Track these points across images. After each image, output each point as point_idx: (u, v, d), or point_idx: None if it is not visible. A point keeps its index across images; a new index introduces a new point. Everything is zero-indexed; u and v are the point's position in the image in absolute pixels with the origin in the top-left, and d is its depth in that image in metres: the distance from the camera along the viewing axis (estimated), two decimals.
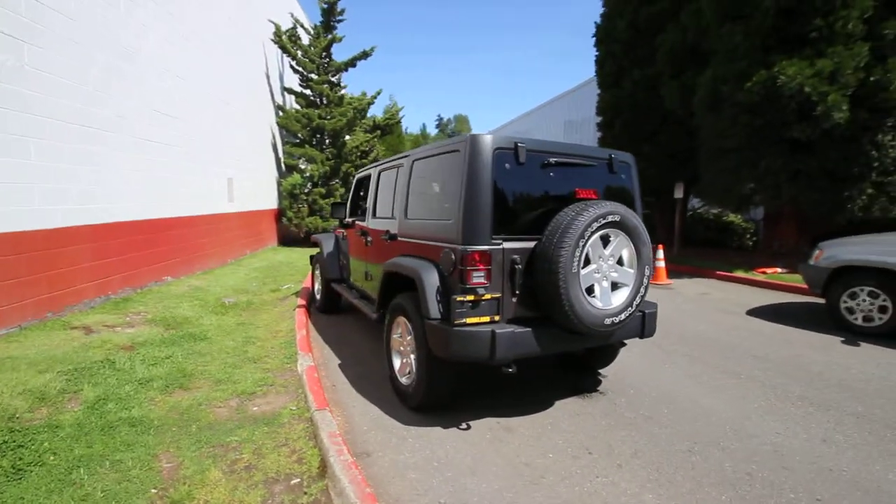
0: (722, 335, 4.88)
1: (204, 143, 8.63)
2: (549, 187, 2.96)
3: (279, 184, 12.37)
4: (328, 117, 12.15)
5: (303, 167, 12.52)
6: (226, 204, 9.48)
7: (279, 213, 12.53)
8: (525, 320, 2.79)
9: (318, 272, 5.99)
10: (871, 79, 6.89)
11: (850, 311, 4.87)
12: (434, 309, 2.78)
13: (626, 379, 3.69)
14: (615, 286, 2.94)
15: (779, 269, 8.29)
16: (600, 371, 3.82)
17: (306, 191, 12.09)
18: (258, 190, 11.26)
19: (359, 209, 5.09)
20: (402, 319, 3.27)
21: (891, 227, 6.96)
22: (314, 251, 6.44)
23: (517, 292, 2.78)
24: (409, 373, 3.19)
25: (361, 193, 4.96)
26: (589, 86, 23.42)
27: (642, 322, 3.15)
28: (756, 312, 5.86)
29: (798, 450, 2.65)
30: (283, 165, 12.90)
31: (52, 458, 2.41)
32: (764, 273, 8.18)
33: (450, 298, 2.68)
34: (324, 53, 12.54)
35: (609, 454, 2.60)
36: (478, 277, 2.66)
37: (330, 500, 2.17)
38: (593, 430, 2.87)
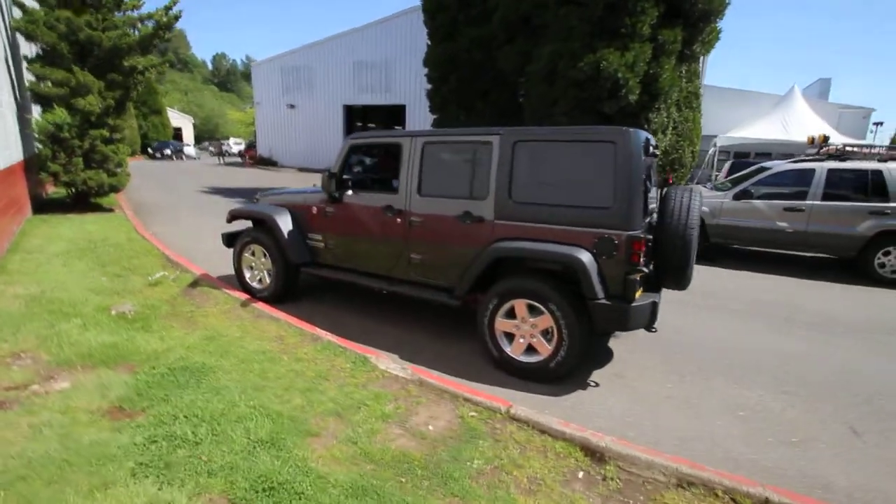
0: None
1: None
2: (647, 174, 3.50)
3: (28, 122, 8.21)
4: (100, 27, 8.52)
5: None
6: None
7: (30, 166, 8.44)
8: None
9: (255, 256, 4.85)
10: (650, 71, 9.61)
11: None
12: (600, 290, 3.07)
13: None
14: None
15: None
16: None
17: (75, 134, 8.48)
18: None
19: (358, 181, 4.37)
20: (521, 302, 3.37)
21: None
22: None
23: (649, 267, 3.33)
24: (528, 349, 3.41)
25: (366, 163, 4.26)
26: (383, 25, 23.15)
27: None
28: None
29: None
30: (27, 95, 8.51)
31: None
32: None
33: (625, 279, 3.03)
34: None
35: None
36: (642, 258, 3.07)
37: None
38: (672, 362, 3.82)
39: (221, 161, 31.34)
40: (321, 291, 5.37)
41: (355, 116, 29.37)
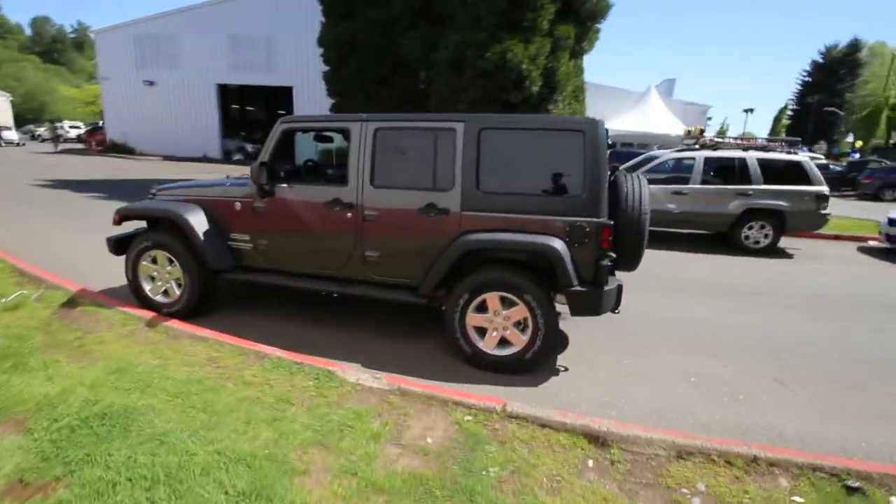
0: None
1: None
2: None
3: None
4: None
5: None
6: None
7: None
8: None
9: (158, 263, 4.04)
10: (549, 65, 10.15)
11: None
12: (574, 278, 3.11)
13: None
14: None
15: None
16: None
17: None
18: None
19: (294, 172, 3.82)
20: (494, 295, 3.30)
21: None
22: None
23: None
24: (501, 342, 3.36)
25: (304, 151, 3.73)
26: None
27: None
28: None
29: None
30: None
31: None
32: None
33: (596, 265, 3.10)
34: None
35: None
36: (610, 244, 3.17)
37: None
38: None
39: (56, 147, 25.88)
40: (240, 299, 4.69)
41: (231, 98, 26.45)
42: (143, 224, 4.36)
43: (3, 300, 4.11)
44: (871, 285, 6.28)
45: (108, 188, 11.98)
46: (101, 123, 28.60)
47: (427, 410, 2.78)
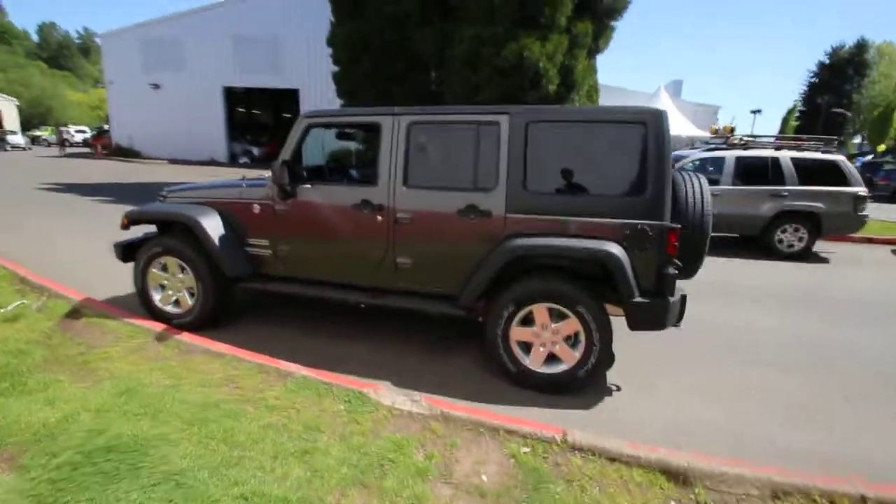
0: None
1: None
2: None
3: None
4: None
5: None
6: None
7: None
8: None
9: (169, 271, 3.74)
10: (566, 63, 9.83)
11: None
12: (635, 288, 2.77)
13: None
14: None
15: None
16: None
17: None
18: None
19: (319, 171, 3.51)
20: (542, 306, 2.96)
21: None
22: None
23: None
24: (548, 358, 3.02)
25: (331, 149, 3.42)
26: None
27: None
28: None
29: None
30: None
31: None
32: None
33: (660, 273, 2.77)
34: None
35: None
36: (676, 250, 2.83)
37: None
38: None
39: (63, 152, 25.76)
40: (256, 309, 4.37)
41: (238, 101, 26.29)
42: (153, 228, 4.07)
43: (2, 311, 3.80)
44: None
45: (114, 191, 11.74)
46: (106, 127, 28.51)
47: (476, 440, 2.44)
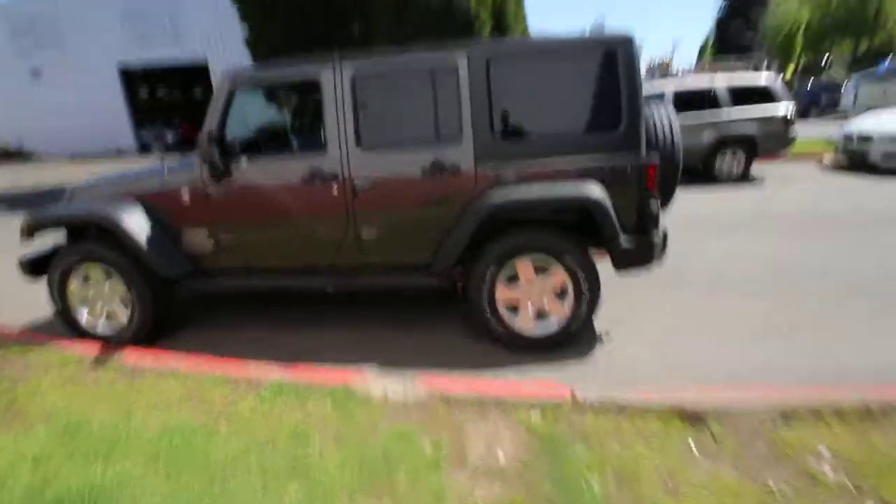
0: None
1: None
2: None
3: None
4: None
5: None
6: None
7: None
8: None
9: (92, 281, 3.21)
10: (497, 4, 9.37)
11: None
12: (619, 230, 2.65)
13: None
14: None
15: None
16: None
17: None
18: None
19: (255, 142, 3.03)
20: (526, 261, 2.79)
21: None
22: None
23: None
24: (539, 317, 2.89)
25: (265, 113, 2.94)
26: None
27: None
28: None
29: None
30: None
31: None
32: None
33: (642, 211, 2.65)
34: None
35: None
36: (656, 185, 2.71)
37: None
38: None
39: None
40: (213, 307, 3.92)
41: (141, 82, 23.51)
42: (62, 235, 3.45)
43: None
44: (853, 199, 6.35)
45: (6, 202, 10.22)
46: None
47: (483, 416, 2.27)
